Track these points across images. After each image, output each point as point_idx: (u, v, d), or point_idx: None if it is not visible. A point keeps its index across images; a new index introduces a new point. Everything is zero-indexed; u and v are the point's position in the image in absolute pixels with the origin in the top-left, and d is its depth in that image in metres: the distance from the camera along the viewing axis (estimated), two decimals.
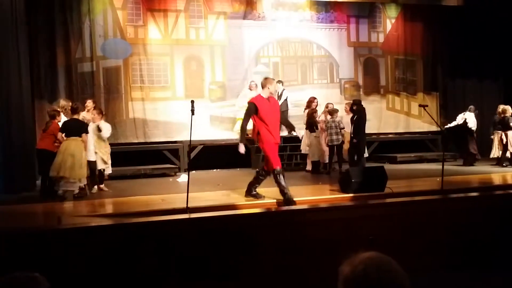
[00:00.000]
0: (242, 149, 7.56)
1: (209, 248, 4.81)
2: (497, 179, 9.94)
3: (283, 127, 9.55)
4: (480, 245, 5.57)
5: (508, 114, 12.18)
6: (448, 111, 15.29)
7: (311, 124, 11.61)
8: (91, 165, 8.92)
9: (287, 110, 12.88)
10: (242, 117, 7.73)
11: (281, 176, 7.27)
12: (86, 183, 8.61)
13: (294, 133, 8.59)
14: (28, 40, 10.78)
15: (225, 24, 13.61)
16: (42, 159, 8.78)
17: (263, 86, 7.70)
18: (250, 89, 12.60)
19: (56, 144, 8.57)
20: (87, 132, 8.60)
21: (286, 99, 12.96)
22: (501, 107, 12.36)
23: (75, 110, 8.73)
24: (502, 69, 15.11)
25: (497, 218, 5.88)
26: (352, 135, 10.80)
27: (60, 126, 8.66)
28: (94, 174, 9.12)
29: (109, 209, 7.75)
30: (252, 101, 7.63)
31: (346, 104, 12.38)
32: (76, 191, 8.34)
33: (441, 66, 15.49)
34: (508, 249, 5.47)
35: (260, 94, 7.74)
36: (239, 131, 8.14)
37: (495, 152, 12.31)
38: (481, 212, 5.91)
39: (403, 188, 8.26)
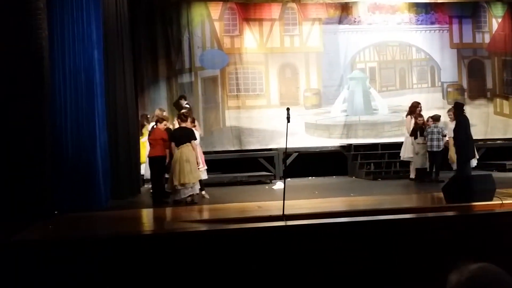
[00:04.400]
0: None
1: (305, 256, 4.76)
2: None
3: None
4: None
5: None
6: None
7: (415, 130, 11.11)
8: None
9: None
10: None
11: None
12: (199, 187, 8.89)
13: None
14: (132, 54, 11.39)
15: (320, 30, 13.53)
16: (153, 166, 9.29)
17: None
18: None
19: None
20: (195, 139, 8.90)
21: None
22: None
23: (183, 119, 9.02)
24: None
25: None
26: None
27: (168, 134, 9.05)
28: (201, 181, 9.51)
29: (207, 215, 7.93)
30: None
31: (449, 111, 11.55)
32: (195, 195, 8.64)
33: None
34: None
35: None
36: None
37: None
38: None
39: None
